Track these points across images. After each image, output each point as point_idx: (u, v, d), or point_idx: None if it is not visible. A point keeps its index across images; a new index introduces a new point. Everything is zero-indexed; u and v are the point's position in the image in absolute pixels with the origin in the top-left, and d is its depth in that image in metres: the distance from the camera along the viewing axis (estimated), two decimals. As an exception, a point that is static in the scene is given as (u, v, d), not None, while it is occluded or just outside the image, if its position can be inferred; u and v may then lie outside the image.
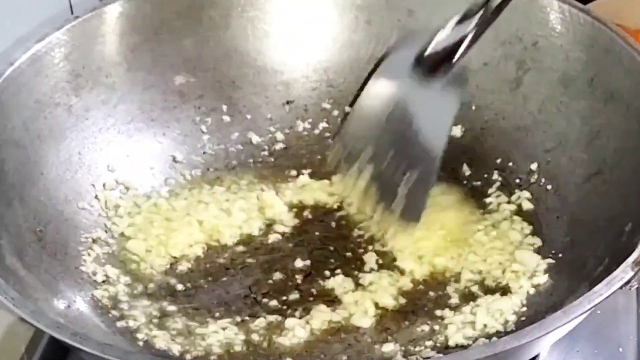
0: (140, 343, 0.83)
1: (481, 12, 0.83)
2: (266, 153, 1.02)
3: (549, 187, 0.92)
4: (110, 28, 0.98)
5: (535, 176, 0.94)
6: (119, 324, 0.84)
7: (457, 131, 1.00)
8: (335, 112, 1.04)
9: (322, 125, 1.04)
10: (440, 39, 0.83)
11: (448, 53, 0.83)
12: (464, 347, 0.80)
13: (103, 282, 0.88)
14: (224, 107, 1.03)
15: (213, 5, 1.02)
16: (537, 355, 0.82)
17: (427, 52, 0.83)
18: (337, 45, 1.04)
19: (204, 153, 1.01)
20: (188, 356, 0.82)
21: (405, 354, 0.81)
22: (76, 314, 0.83)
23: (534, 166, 0.94)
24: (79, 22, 0.96)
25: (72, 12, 1.03)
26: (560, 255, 0.87)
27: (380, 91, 0.86)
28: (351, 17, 1.04)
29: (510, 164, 0.96)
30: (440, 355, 0.80)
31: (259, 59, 1.04)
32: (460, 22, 0.83)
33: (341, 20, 1.04)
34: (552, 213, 0.91)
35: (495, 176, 0.96)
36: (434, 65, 0.84)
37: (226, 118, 1.02)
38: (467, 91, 0.87)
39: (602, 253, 0.81)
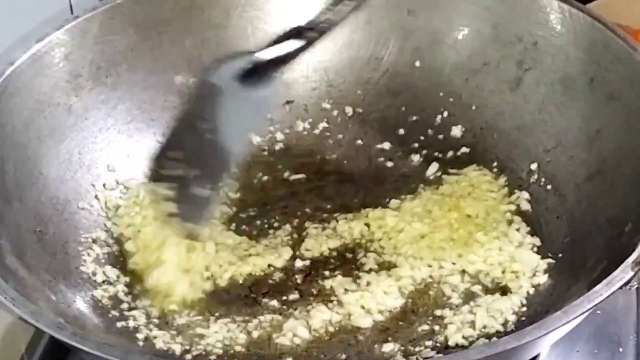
0: (140, 343, 0.83)
1: (310, 33, 0.83)
2: (266, 153, 1.02)
3: (549, 187, 0.92)
4: (110, 28, 0.98)
5: (535, 176, 0.94)
6: (119, 324, 0.84)
7: (457, 131, 1.00)
8: (335, 112, 1.04)
9: (322, 125, 1.04)
10: (266, 53, 0.84)
11: (264, 67, 0.83)
12: (464, 347, 0.81)
13: (103, 282, 0.88)
14: (224, 107, 1.03)
15: (213, 5, 1.02)
16: (537, 355, 0.82)
17: (256, 61, 0.83)
18: (337, 45, 1.04)
19: (204, 153, 1.01)
20: (188, 356, 0.82)
21: (405, 354, 0.81)
22: (76, 313, 0.83)
23: (534, 166, 0.94)
24: (79, 22, 0.96)
25: (72, 12, 1.03)
26: (560, 255, 0.87)
27: (201, 105, 0.85)
28: (351, 17, 1.03)
29: (510, 164, 0.96)
30: (440, 355, 0.80)
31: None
32: (291, 36, 0.84)
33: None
34: (552, 213, 0.91)
35: (496, 176, 0.96)
36: (250, 74, 0.83)
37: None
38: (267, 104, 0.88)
39: (602, 253, 0.81)
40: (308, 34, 0.83)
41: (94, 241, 0.91)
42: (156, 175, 0.84)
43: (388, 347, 0.81)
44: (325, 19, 0.83)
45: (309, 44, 0.83)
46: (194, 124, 0.83)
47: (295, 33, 0.83)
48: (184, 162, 0.83)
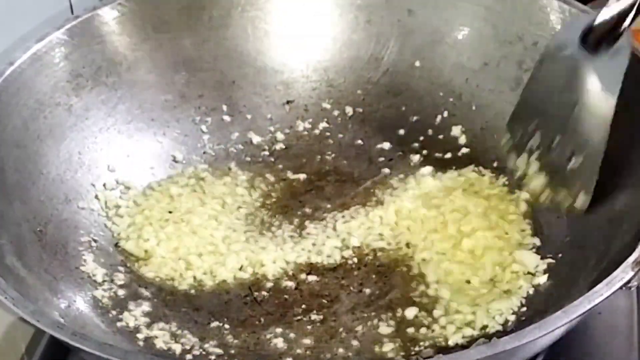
0: (141, 343, 0.83)
1: None
2: (266, 153, 1.02)
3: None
4: (110, 28, 0.98)
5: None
6: (119, 324, 0.84)
7: (457, 131, 1.00)
8: (336, 112, 1.04)
9: (322, 125, 1.04)
10: (604, 13, 0.83)
11: (613, 24, 0.83)
12: (463, 347, 0.80)
13: (103, 282, 0.88)
14: (224, 107, 1.03)
15: (213, 5, 1.02)
16: (537, 355, 0.82)
17: (593, 25, 0.83)
18: (337, 45, 1.04)
19: (204, 153, 1.01)
20: (188, 356, 0.82)
21: (405, 354, 0.81)
22: (76, 313, 0.83)
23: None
24: (79, 22, 0.96)
25: (72, 12, 1.03)
26: (560, 255, 0.87)
27: (546, 74, 0.87)
28: (351, 17, 1.04)
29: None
30: (440, 355, 0.80)
31: (259, 59, 1.04)
32: None
33: (341, 20, 1.04)
34: (552, 213, 0.91)
35: (496, 176, 0.96)
36: (599, 39, 0.83)
37: (226, 118, 1.03)
38: (627, 63, 0.85)
39: (602, 253, 0.80)
40: None
41: (94, 241, 0.91)
42: (514, 147, 0.87)
43: (388, 347, 0.81)
44: None
45: None
46: (548, 92, 0.85)
47: None
48: (541, 128, 0.85)
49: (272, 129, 1.03)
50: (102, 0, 0.98)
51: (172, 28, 1.01)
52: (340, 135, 1.03)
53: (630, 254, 0.73)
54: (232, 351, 0.82)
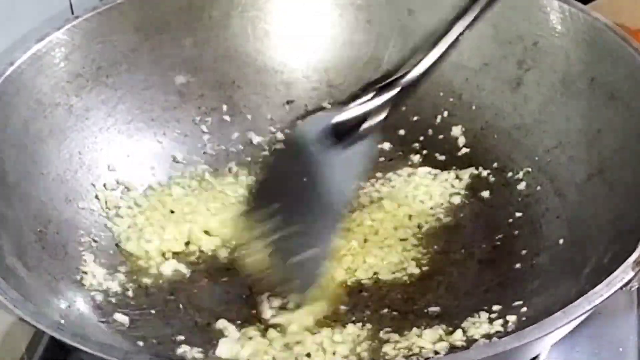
0: (140, 343, 0.83)
1: (394, 89, 0.84)
2: (266, 153, 1.02)
3: (549, 187, 0.92)
4: (110, 28, 0.98)
5: (535, 176, 0.94)
6: (119, 324, 0.84)
7: (457, 131, 1.00)
8: (336, 112, 1.04)
9: (323, 125, 1.04)
10: (352, 110, 0.84)
11: (356, 123, 0.84)
12: (464, 347, 0.81)
13: (103, 282, 0.88)
14: (224, 107, 1.03)
15: (213, 5, 1.02)
16: (537, 356, 0.82)
17: (336, 121, 0.84)
18: (337, 45, 1.04)
19: (204, 153, 1.01)
20: (188, 356, 0.82)
21: (405, 354, 0.81)
22: (76, 314, 0.83)
23: (534, 166, 0.94)
24: (79, 22, 0.96)
25: (72, 12, 1.03)
26: (560, 255, 0.87)
27: (291, 158, 0.87)
28: (351, 17, 1.04)
29: (510, 164, 0.96)
30: (440, 355, 0.80)
31: (259, 59, 1.04)
32: (376, 94, 0.84)
33: (341, 20, 1.04)
34: (552, 213, 0.91)
35: (496, 176, 0.96)
36: (343, 133, 0.84)
37: (226, 118, 1.03)
38: (370, 161, 0.89)
39: (602, 253, 0.80)
40: (390, 90, 0.84)
41: (94, 241, 0.91)
42: (252, 230, 0.85)
43: (388, 347, 0.81)
44: (406, 74, 0.84)
45: (392, 101, 0.84)
46: (288, 178, 0.85)
47: (377, 89, 0.84)
48: (281, 215, 0.84)
49: (272, 129, 1.03)
50: (102, 0, 0.98)
51: (172, 28, 1.01)
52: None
53: (630, 254, 0.73)
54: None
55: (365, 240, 0.91)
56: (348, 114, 0.84)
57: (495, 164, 0.97)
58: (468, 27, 0.86)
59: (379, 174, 0.99)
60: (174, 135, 1.01)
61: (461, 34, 0.86)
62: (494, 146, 0.98)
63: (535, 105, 0.96)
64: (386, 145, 1.01)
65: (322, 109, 1.04)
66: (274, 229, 0.84)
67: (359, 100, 0.85)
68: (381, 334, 0.83)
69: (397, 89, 0.84)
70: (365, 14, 1.03)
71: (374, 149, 0.86)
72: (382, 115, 0.85)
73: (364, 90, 0.84)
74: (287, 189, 0.85)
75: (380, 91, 0.84)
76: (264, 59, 1.04)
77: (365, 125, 0.84)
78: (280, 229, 0.84)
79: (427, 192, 0.96)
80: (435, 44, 0.85)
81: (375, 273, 0.88)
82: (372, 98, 0.85)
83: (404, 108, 1.03)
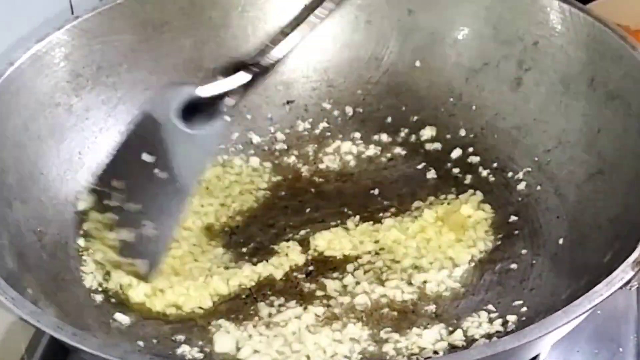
0: (141, 343, 0.83)
1: (251, 70, 0.83)
2: (267, 153, 1.02)
3: (549, 187, 0.92)
4: (110, 28, 0.98)
5: (535, 176, 0.94)
6: (119, 324, 0.84)
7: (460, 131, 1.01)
8: (336, 112, 1.04)
9: (322, 125, 1.04)
10: (212, 86, 0.83)
11: (214, 100, 0.82)
12: (464, 347, 0.81)
13: (103, 282, 0.88)
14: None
15: (213, 6, 1.02)
16: (537, 355, 0.82)
17: (196, 96, 0.82)
18: (337, 45, 1.04)
19: (204, 153, 1.01)
20: (188, 356, 0.82)
21: (405, 354, 0.81)
22: (76, 314, 0.83)
23: (534, 166, 0.94)
24: (79, 22, 0.96)
25: (72, 12, 1.03)
26: (560, 255, 0.87)
27: (140, 135, 0.83)
28: (351, 17, 1.04)
29: (510, 164, 0.96)
30: (440, 355, 0.80)
31: (259, 59, 1.04)
32: (234, 70, 0.83)
33: (341, 20, 1.04)
34: (552, 213, 0.91)
35: (496, 176, 0.96)
36: (199, 110, 0.82)
37: (226, 118, 1.02)
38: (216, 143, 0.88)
39: (602, 253, 0.80)
40: (253, 69, 0.82)
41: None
42: (99, 204, 0.83)
43: (388, 347, 0.81)
44: (270, 55, 0.83)
45: (254, 81, 0.83)
46: (138, 155, 0.81)
47: (238, 67, 0.82)
48: (127, 193, 0.82)
49: (272, 129, 1.03)
50: (102, 0, 0.98)
51: (172, 28, 1.01)
52: (341, 135, 1.03)
53: (630, 254, 0.73)
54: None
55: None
56: (208, 90, 0.82)
57: (495, 164, 0.97)
58: (331, 11, 0.85)
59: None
60: (174, 135, 1.01)
61: (322, 19, 0.85)
62: (494, 146, 0.98)
63: (535, 105, 0.96)
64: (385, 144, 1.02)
65: (322, 109, 1.04)
66: (117, 207, 0.82)
67: (219, 79, 0.83)
68: (381, 333, 0.83)
69: (258, 70, 0.83)
70: (365, 14, 1.03)
71: (223, 131, 0.84)
72: (240, 95, 0.83)
73: (223, 70, 0.83)
74: (134, 168, 0.82)
75: (241, 69, 0.83)
76: (264, 59, 1.04)
77: (223, 103, 0.83)
78: (123, 206, 0.82)
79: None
80: (295, 28, 0.84)
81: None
82: (231, 76, 0.83)
83: (403, 108, 1.03)
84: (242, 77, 0.83)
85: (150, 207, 0.82)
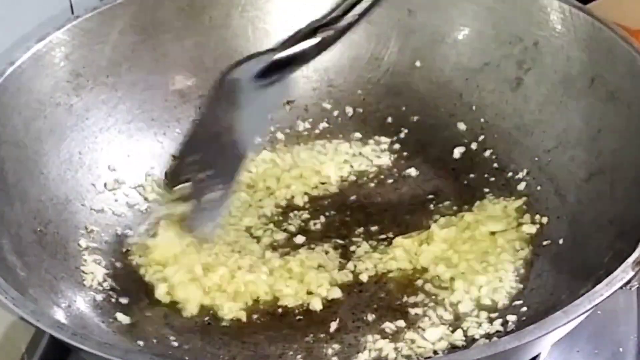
0: (141, 343, 0.83)
1: (327, 32, 0.85)
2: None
3: (549, 187, 0.92)
4: (110, 28, 0.98)
5: (536, 176, 0.94)
6: (119, 324, 0.84)
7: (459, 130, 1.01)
8: (336, 112, 1.04)
9: (323, 125, 1.04)
10: (291, 48, 0.85)
11: (292, 60, 0.85)
12: (464, 347, 0.81)
13: (103, 282, 0.88)
14: (225, 107, 1.03)
15: (213, 5, 1.02)
16: (537, 355, 0.82)
17: (278, 57, 0.85)
18: (337, 45, 1.04)
19: (205, 153, 1.01)
20: (187, 356, 0.82)
21: (405, 354, 0.81)
22: (76, 313, 0.83)
23: (534, 166, 0.94)
24: (79, 22, 0.96)
25: (72, 12, 1.03)
26: (560, 255, 0.87)
27: (213, 107, 0.87)
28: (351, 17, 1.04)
29: (510, 164, 0.96)
30: (440, 355, 0.80)
31: (259, 59, 1.04)
32: (306, 36, 0.85)
33: (341, 20, 1.04)
34: (552, 213, 0.91)
35: (496, 176, 0.96)
36: (267, 73, 0.85)
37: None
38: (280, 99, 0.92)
39: (602, 253, 0.80)
40: (325, 32, 0.84)
41: (95, 241, 0.91)
42: (175, 180, 0.86)
43: (388, 347, 0.81)
44: (343, 18, 0.84)
45: (327, 43, 0.84)
46: (212, 124, 0.85)
47: (312, 31, 0.84)
48: (200, 164, 0.84)
49: (272, 129, 1.03)
50: (102, 0, 0.98)
51: (172, 28, 1.01)
52: (341, 135, 1.03)
53: (630, 254, 0.73)
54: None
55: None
56: (288, 52, 0.84)
57: (495, 164, 0.97)
58: None
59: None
60: (174, 135, 1.01)
61: None
62: (494, 146, 0.98)
63: (535, 105, 0.96)
64: (384, 145, 1.02)
65: (322, 109, 1.04)
66: (193, 177, 0.85)
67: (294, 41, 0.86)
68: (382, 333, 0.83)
69: (332, 32, 0.85)
70: (366, 14, 1.03)
71: (289, 89, 0.88)
72: (317, 54, 0.86)
73: (297, 34, 0.85)
74: (209, 136, 0.86)
75: (315, 32, 0.85)
76: (264, 58, 1.04)
77: (299, 63, 0.85)
78: (198, 175, 0.85)
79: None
80: None
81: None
82: (306, 38, 0.85)
83: (403, 108, 1.03)
84: (314, 40, 0.85)
85: (219, 171, 0.85)
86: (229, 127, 0.84)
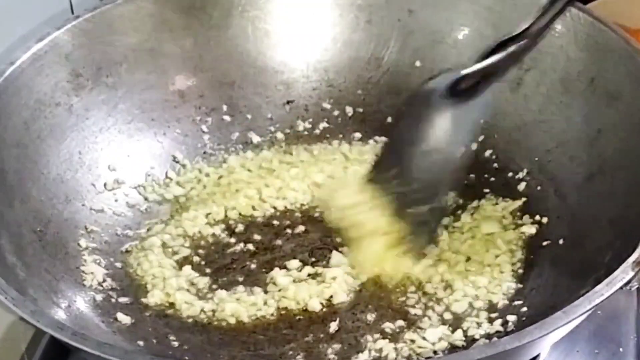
0: (141, 343, 0.83)
1: (517, 43, 0.85)
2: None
3: (549, 187, 0.92)
4: (110, 28, 0.98)
5: (536, 176, 0.94)
6: (119, 324, 0.84)
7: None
8: (336, 112, 1.04)
9: (322, 125, 1.04)
10: (479, 64, 0.86)
11: (482, 76, 0.86)
12: (464, 347, 0.81)
13: (103, 281, 0.88)
14: (225, 107, 1.03)
15: (213, 5, 1.02)
16: (537, 356, 0.82)
17: (466, 73, 0.86)
18: (337, 45, 1.04)
19: (205, 153, 1.01)
20: (187, 355, 0.82)
21: (405, 354, 0.81)
22: (76, 313, 0.83)
23: (534, 166, 0.94)
24: (79, 22, 0.96)
25: (72, 12, 1.03)
26: (560, 255, 0.87)
27: (409, 121, 0.89)
28: (351, 17, 1.04)
29: (510, 164, 0.96)
30: (440, 355, 0.80)
31: (259, 59, 1.04)
32: (495, 50, 0.85)
33: (341, 20, 1.04)
34: (552, 213, 0.91)
35: (496, 176, 0.96)
36: (461, 90, 0.86)
37: (226, 118, 1.02)
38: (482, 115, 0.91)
39: (602, 253, 0.80)
40: (516, 43, 0.85)
41: (94, 241, 0.91)
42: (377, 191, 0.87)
43: (387, 347, 0.81)
44: (531, 27, 0.85)
45: (517, 54, 0.85)
46: (407, 138, 0.87)
47: (501, 44, 0.85)
48: (399, 177, 0.86)
49: (272, 129, 1.03)
50: (102, 0, 0.98)
51: (172, 28, 1.01)
52: (341, 135, 1.03)
53: (630, 254, 0.73)
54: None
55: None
56: (476, 66, 0.85)
57: (495, 164, 0.97)
58: None
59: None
60: (174, 135, 1.01)
61: None
62: (494, 146, 0.98)
63: (535, 105, 0.96)
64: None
65: (322, 109, 1.04)
66: (392, 190, 0.86)
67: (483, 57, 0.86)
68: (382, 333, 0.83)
69: (522, 42, 0.85)
70: (365, 14, 1.03)
71: (489, 104, 0.88)
72: (508, 67, 0.86)
73: (487, 50, 0.86)
74: (407, 149, 0.88)
75: (504, 45, 0.85)
76: (264, 59, 1.04)
77: (491, 78, 0.86)
78: (398, 189, 0.86)
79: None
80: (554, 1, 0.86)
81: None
82: (496, 53, 0.85)
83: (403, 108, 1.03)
84: (502, 53, 0.85)
85: (423, 185, 0.86)
86: (427, 142, 0.86)
